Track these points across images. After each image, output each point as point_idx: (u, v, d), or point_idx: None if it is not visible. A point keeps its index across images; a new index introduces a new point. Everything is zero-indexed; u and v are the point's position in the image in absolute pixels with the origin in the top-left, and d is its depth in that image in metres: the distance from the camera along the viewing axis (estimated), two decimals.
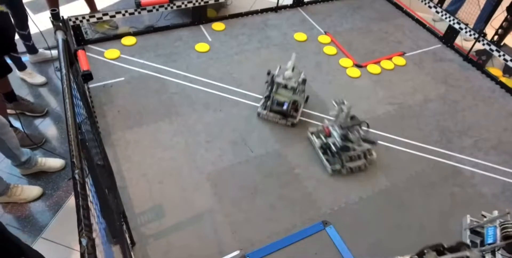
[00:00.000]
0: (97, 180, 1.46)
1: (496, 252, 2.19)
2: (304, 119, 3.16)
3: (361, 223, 2.52)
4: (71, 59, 1.52)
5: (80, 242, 0.86)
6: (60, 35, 1.41)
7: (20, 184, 2.46)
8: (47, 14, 3.88)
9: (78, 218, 0.90)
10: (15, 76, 3.18)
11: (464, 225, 2.48)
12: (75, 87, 1.37)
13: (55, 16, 1.42)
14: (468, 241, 2.33)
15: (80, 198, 0.94)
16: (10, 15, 2.80)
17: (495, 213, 2.37)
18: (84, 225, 0.88)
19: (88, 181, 1.19)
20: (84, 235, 0.87)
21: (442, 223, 2.58)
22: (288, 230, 2.43)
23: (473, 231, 2.42)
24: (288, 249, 2.34)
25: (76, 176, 0.98)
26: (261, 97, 3.30)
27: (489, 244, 2.20)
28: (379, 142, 3.06)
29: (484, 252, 2.23)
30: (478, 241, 2.36)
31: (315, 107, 3.27)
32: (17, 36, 2.98)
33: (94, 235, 0.92)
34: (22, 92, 3.11)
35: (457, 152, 3.07)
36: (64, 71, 1.26)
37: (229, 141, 2.92)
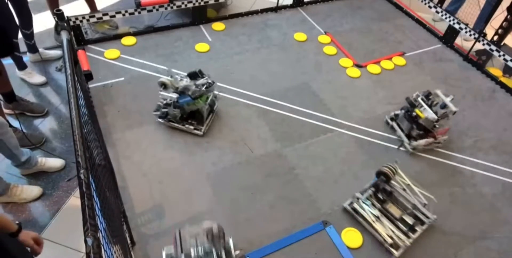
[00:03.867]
0: (98, 180, 1.46)
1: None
2: (304, 119, 3.16)
3: (361, 223, 2.51)
4: (75, 59, 1.52)
5: (86, 242, 0.85)
6: (64, 35, 1.41)
7: (20, 184, 2.46)
8: (47, 14, 3.88)
9: (84, 218, 0.90)
10: (15, 76, 3.17)
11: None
12: (79, 87, 1.37)
13: (60, 17, 1.41)
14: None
15: (85, 198, 0.94)
16: (15, 14, 2.80)
17: None
18: (89, 225, 0.88)
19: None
20: (89, 235, 0.86)
21: (442, 223, 2.58)
22: (288, 230, 2.43)
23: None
24: (288, 249, 2.34)
25: (82, 176, 0.98)
26: (260, 97, 3.30)
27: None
28: (379, 142, 3.06)
29: (362, 196, 2.52)
30: None
31: (315, 107, 3.27)
32: (20, 35, 2.98)
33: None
34: (22, 92, 3.11)
35: (457, 152, 3.07)
36: (69, 71, 1.26)
37: (229, 141, 2.92)
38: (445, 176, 2.89)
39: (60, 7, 3.55)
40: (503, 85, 3.74)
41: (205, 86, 2.79)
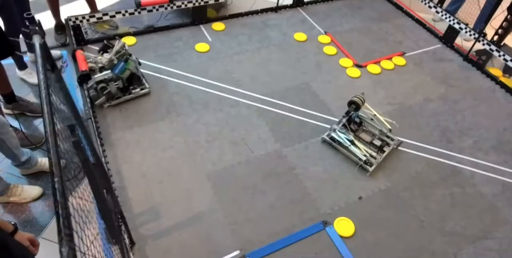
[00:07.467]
0: (94, 180, 1.45)
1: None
2: (304, 119, 3.16)
3: (361, 223, 2.52)
4: (52, 63, 1.49)
5: (61, 253, 0.81)
6: (37, 40, 1.36)
7: (20, 184, 2.46)
8: (47, 14, 3.88)
9: (58, 228, 0.86)
10: (15, 76, 3.18)
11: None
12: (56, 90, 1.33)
13: (31, 20, 1.35)
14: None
15: (59, 207, 0.88)
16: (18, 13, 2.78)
17: None
18: (64, 235, 0.84)
19: (86, 181, 1.17)
20: (64, 244, 0.82)
21: (442, 223, 2.58)
22: (288, 230, 2.44)
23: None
24: (288, 249, 2.35)
25: (56, 184, 0.92)
26: (260, 97, 3.30)
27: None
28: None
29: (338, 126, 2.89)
30: None
31: (316, 107, 3.27)
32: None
33: (95, 233, 0.89)
34: (22, 92, 3.11)
35: (457, 152, 3.07)
36: (41, 76, 1.23)
37: (229, 141, 2.92)
38: (445, 176, 2.88)
39: (60, 7, 3.56)
40: (503, 85, 3.74)
41: (117, 50, 2.95)
